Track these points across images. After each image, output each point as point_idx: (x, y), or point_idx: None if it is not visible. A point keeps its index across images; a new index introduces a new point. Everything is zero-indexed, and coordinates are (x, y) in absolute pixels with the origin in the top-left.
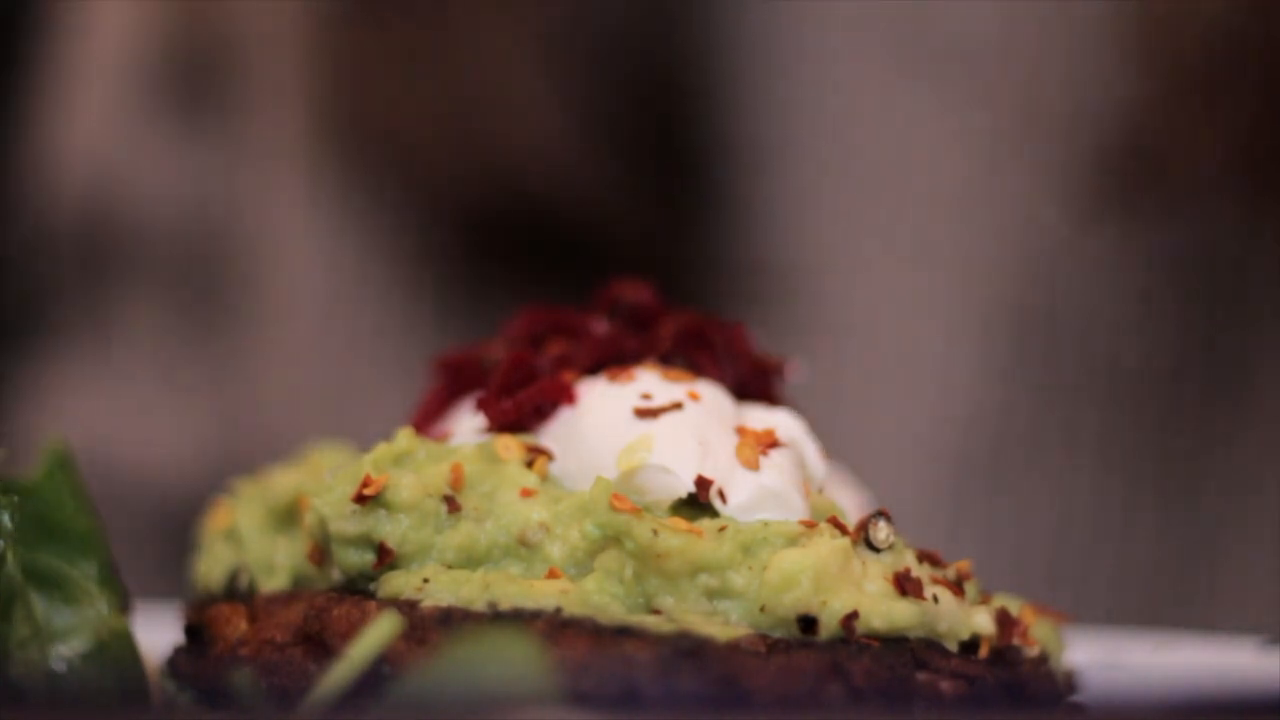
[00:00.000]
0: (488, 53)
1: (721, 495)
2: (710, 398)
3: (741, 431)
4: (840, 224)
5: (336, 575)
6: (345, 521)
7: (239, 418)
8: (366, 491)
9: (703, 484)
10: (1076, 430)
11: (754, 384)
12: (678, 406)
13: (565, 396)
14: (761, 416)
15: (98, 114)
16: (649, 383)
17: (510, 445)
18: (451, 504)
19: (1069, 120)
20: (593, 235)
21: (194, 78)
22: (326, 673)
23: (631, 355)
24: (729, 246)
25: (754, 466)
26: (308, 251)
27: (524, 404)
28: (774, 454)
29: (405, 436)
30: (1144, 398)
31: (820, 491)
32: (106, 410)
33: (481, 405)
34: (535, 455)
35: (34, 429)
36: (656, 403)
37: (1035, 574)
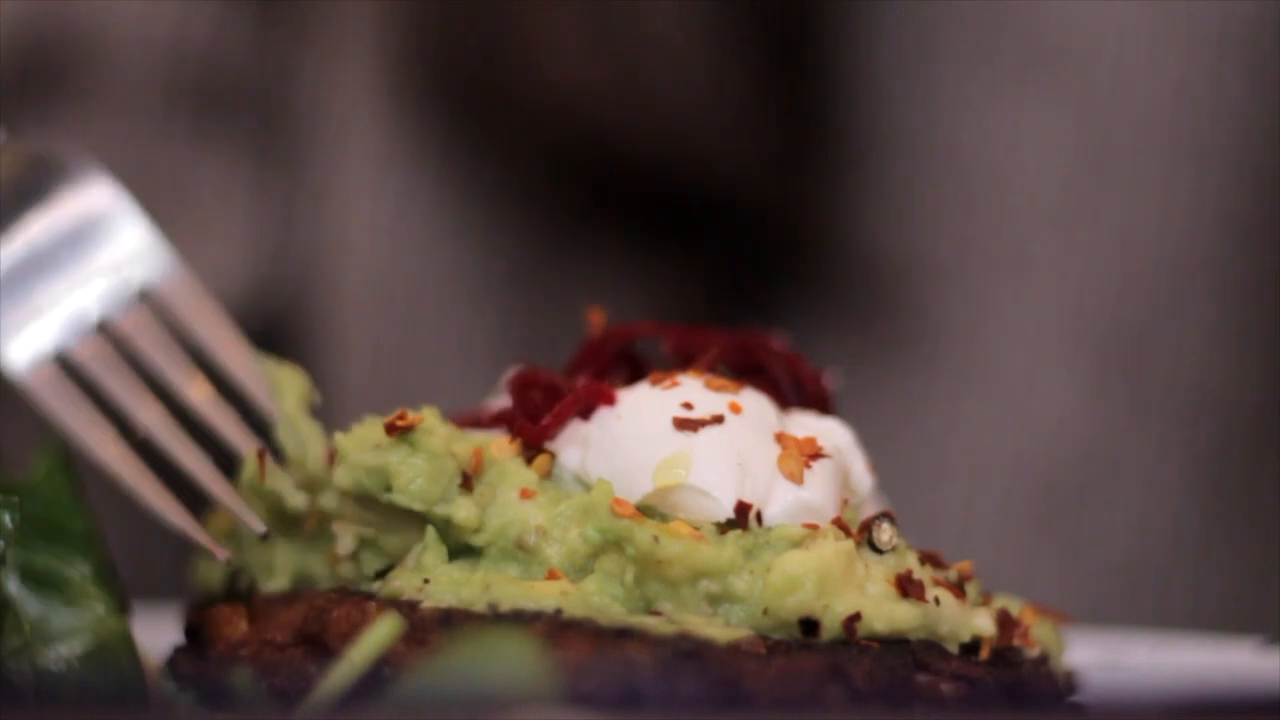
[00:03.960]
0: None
1: (759, 518)
2: (753, 408)
3: (783, 440)
4: (939, 229)
5: (344, 571)
6: (367, 453)
7: None
8: (401, 423)
9: (742, 510)
10: (1162, 452)
11: (801, 393)
12: (718, 420)
13: (604, 398)
14: (810, 424)
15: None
16: (692, 390)
17: (504, 446)
18: (466, 481)
19: (1176, 135)
20: (702, 202)
21: None
22: (327, 674)
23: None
24: (836, 240)
25: (798, 480)
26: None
27: (561, 419)
28: (816, 465)
29: (431, 414)
30: (1230, 425)
31: (859, 507)
32: None
33: (519, 431)
34: (534, 454)
35: None
36: (697, 414)
37: (1116, 589)
